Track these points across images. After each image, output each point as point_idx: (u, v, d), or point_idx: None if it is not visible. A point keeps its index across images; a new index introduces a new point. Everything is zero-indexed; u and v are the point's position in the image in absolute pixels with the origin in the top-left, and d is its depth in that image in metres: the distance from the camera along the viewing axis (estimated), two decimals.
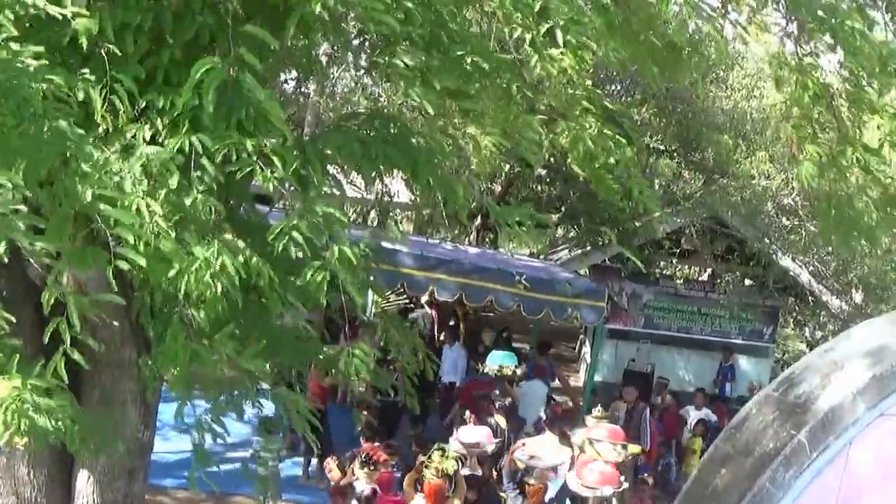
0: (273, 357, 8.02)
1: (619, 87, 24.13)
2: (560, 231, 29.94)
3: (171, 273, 6.05)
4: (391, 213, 25.05)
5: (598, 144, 8.53)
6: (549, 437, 14.81)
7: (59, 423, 6.37)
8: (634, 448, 15.33)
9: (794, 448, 5.90)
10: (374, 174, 7.76)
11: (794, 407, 6.15)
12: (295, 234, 6.37)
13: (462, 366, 20.87)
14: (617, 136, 8.66)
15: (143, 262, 5.87)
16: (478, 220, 26.18)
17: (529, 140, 8.72)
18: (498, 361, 18.41)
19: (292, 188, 6.94)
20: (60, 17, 5.94)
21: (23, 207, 5.57)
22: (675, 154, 23.42)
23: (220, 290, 6.10)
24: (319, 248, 6.75)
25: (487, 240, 28.60)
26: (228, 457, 16.15)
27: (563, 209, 24.11)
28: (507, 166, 22.46)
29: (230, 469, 15.76)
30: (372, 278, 7.78)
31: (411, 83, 7.20)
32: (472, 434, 14.44)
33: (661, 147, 22.87)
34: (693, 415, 20.08)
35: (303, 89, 23.48)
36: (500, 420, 16.18)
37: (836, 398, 6.01)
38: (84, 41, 6.23)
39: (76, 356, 6.43)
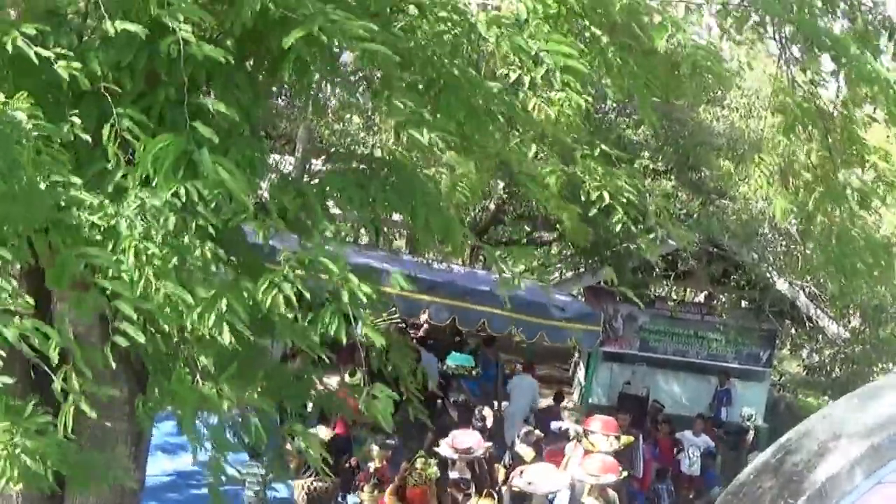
0: (275, 396, 7.94)
1: (614, 108, 24.04)
2: (555, 249, 29.89)
3: (175, 315, 5.99)
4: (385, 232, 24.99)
5: (604, 188, 8.52)
6: (546, 464, 15.04)
7: (52, 466, 6.30)
8: (627, 439, 16.25)
9: None
10: (372, 218, 7.70)
11: (792, 475, 6.09)
12: (285, 285, 6.32)
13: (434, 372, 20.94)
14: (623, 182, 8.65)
15: (130, 311, 5.83)
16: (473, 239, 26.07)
17: (526, 174, 8.73)
18: (456, 361, 21.09)
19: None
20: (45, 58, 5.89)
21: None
22: (672, 174, 23.30)
23: (227, 331, 6.05)
24: (320, 290, 6.72)
25: (482, 258, 28.44)
26: (202, 481, 16.24)
27: (558, 227, 23.91)
28: (502, 184, 22.39)
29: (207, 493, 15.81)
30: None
31: (412, 125, 7.15)
32: (465, 440, 14.93)
33: (659, 168, 22.77)
34: (690, 441, 20.01)
35: (296, 103, 23.44)
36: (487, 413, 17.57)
37: (834, 467, 5.95)
38: (85, 81, 6.19)
39: (84, 406, 6.33)
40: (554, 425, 19.17)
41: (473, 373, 21.91)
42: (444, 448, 14.60)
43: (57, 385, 6.19)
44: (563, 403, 19.35)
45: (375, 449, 14.68)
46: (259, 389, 6.94)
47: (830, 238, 10.34)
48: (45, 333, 5.99)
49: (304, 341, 6.97)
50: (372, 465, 14.53)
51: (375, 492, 13.37)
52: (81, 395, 6.33)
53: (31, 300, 6.12)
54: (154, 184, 6.26)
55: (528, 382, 21.03)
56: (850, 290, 17.66)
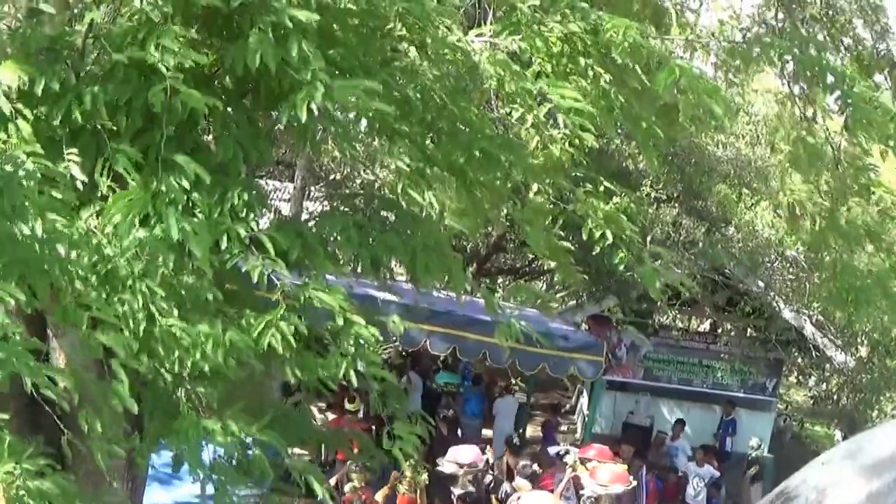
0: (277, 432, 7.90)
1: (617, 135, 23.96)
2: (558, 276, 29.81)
3: (180, 352, 5.98)
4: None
5: (603, 227, 8.51)
6: (541, 491, 15.36)
7: None
8: (622, 466, 16.50)
9: None
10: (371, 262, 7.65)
11: None
12: (282, 325, 6.31)
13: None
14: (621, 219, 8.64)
15: (123, 354, 5.82)
16: (473, 267, 25.95)
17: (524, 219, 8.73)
18: (444, 379, 23.80)
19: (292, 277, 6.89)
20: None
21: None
22: (677, 202, 23.20)
23: (232, 365, 6.04)
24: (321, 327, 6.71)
25: (482, 293, 28.25)
26: None
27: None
28: (504, 213, 22.31)
29: None
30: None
31: (410, 184, 7.16)
32: (467, 454, 15.40)
33: (663, 196, 22.69)
34: (694, 471, 19.93)
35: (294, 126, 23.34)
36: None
37: None
38: (78, 117, 6.19)
39: (101, 451, 6.30)
40: (552, 450, 19.68)
41: (460, 390, 24.09)
42: (448, 465, 14.90)
43: (83, 424, 6.12)
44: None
45: (355, 471, 14.63)
46: (263, 424, 6.87)
47: (834, 271, 10.31)
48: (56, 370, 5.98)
49: (308, 376, 6.95)
50: (349, 486, 14.43)
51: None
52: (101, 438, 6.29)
53: (36, 340, 6.08)
54: (152, 222, 6.27)
55: (509, 403, 22.14)
56: (857, 321, 17.64)
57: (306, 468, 7.54)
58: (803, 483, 6.38)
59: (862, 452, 6.48)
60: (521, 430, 22.33)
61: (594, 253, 9.26)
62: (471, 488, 15.43)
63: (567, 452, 19.49)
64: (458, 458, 15.27)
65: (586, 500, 14.87)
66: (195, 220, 6.13)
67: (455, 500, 15.08)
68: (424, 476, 13.75)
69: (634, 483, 16.26)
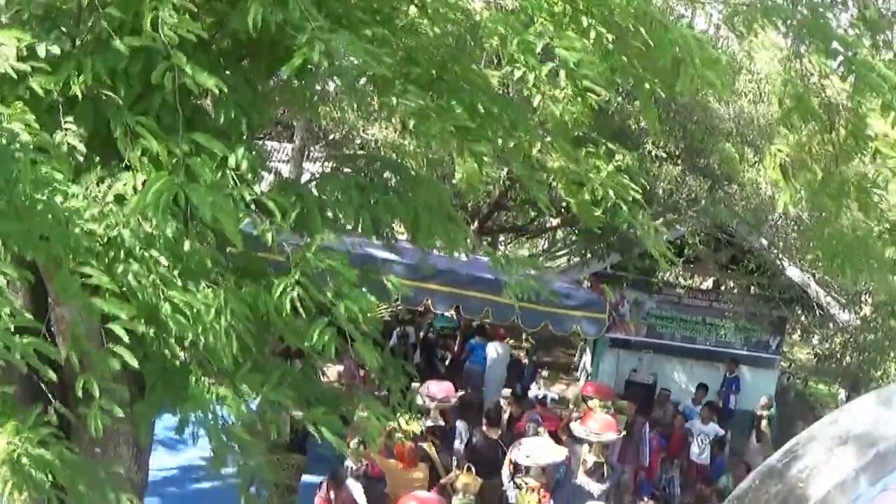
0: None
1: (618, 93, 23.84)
2: (560, 234, 29.79)
3: (182, 321, 5.97)
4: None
5: (605, 188, 8.46)
6: (545, 438, 15.60)
7: (57, 478, 6.27)
8: (621, 403, 18.22)
9: None
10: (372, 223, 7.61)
11: (797, 482, 6.04)
12: (298, 290, 6.30)
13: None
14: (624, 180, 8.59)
15: (125, 317, 5.80)
16: (475, 225, 25.90)
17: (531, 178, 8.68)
18: (441, 323, 25.52)
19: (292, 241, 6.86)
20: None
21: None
22: (679, 160, 23.07)
23: (235, 340, 6.02)
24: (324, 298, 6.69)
25: (485, 242, 28.28)
26: (207, 475, 16.20)
27: (562, 212, 23.68)
28: (505, 171, 22.25)
29: (211, 487, 15.81)
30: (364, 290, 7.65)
31: (418, 123, 7.11)
32: (439, 389, 16.80)
33: (664, 154, 22.56)
34: (699, 429, 19.93)
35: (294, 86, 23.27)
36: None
37: (839, 475, 5.91)
38: (76, 88, 6.14)
39: (96, 420, 6.27)
40: (532, 392, 21.55)
41: (455, 333, 25.35)
42: (420, 398, 15.25)
43: (78, 390, 6.09)
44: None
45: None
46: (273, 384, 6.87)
47: (822, 234, 10.27)
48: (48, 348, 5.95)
49: (303, 342, 6.93)
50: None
51: (360, 447, 13.52)
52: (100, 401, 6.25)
53: (30, 316, 6.05)
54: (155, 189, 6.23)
55: (503, 350, 22.59)
56: (847, 283, 17.61)
57: (323, 419, 7.52)
58: (811, 442, 6.37)
59: (871, 413, 6.47)
60: (527, 387, 22.51)
61: (596, 214, 9.21)
62: (441, 422, 16.44)
63: (545, 396, 20.10)
64: (431, 392, 16.38)
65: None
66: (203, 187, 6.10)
67: (424, 431, 15.76)
68: (420, 423, 13.98)
69: (624, 433, 16.75)
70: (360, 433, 12.48)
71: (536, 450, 14.77)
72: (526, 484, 14.10)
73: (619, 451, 17.59)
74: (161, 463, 15.60)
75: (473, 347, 23.44)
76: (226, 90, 6.10)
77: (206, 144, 6.06)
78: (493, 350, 22.61)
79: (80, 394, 6.35)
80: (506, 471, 14.85)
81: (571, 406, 18.29)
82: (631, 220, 8.75)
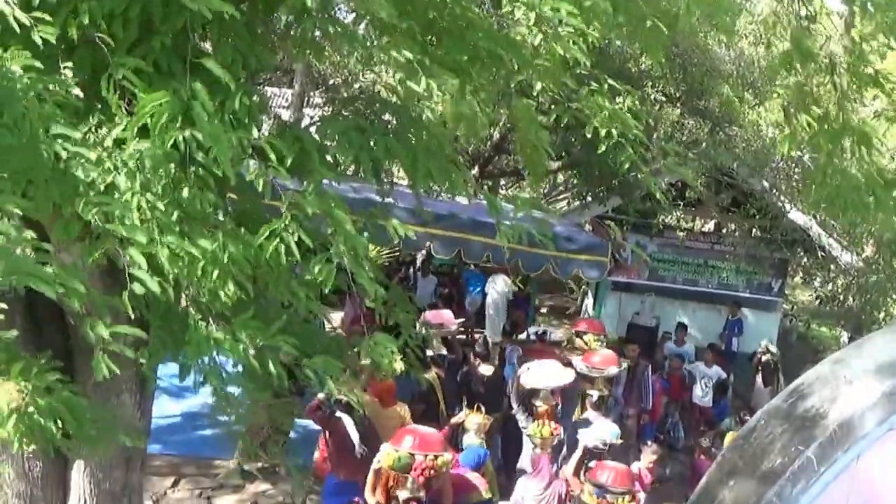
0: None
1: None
2: (561, 177, 29.70)
3: (180, 266, 5.92)
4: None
5: (606, 126, 8.40)
6: (552, 361, 15.46)
7: (64, 423, 6.25)
8: (613, 336, 18.65)
9: (801, 464, 5.79)
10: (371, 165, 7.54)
11: (803, 421, 6.02)
12: (286, 235, 6.25)
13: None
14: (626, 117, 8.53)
15: (141, 259, 5.74)
16: (475, 169, 25.82)
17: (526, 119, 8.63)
18: (441, 261, 24.53)
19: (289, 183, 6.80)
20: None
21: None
22: (679, 102, 22.96)
23: (231, 284, 5.98)
24: (320, 237, 6.64)
25: (486, 186, 28.24)
26: (210, 422, 16.32)
27: (563, 156, 23.56)
28: (505, 115, 22.16)
29: (213, 434, 15.91)
30: (365, 234, 7.59)
31: (410, 75, 7.05)
32: (436, 316, 16.84)
33: (664, 96, 22.45)
34: (702, 372, 19.96)
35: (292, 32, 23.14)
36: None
37: (846, 413, 5.88)
38: (73, 33, 6.07)
39: (101, 363, 6.22)
40: (531, 330, 21.52)
41: (454, 270, 25.35)
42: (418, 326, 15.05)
43: (86, 332, 6.04)
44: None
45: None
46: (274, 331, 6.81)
47: (824, 175, 10.19)
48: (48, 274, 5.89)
49: (297, 297, 6.91)
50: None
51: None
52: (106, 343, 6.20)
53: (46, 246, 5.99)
54: (153, 133, 6.18)
55: (501, 278, 22.70)
56: (850, 225, 17.56)
57: (325, 365, 7.48)
58: (817, 381, 6.34)
59: (877, 352, 6.44)
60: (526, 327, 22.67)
61: (598, 153, 9.16)
62: (443, 351, 16.93)
63: (545, 332, 20.24)
64: (427, 319, 16.23)
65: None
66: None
67: (428, 361, 15.74)
68: (400, 364, 13.93)
69: (625, 365, 17.03)
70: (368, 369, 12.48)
71: (544, 372, 14.91)
72: (536, 408, 14.20)
73: (623, 394, 17.69)
74: (164, 410, 15.71)
75: (470, 280, 23.58)
76: (238, 16, 6.03)
77: (203, 92, 5.99)
78: (493, 283, 22.83)
79: (90, 336, 6.30)
80: (514, 394, 14.92)
81: (565, 343, 18.36)
82: (635, 157, 8.68)
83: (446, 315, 17.35)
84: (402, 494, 11.57)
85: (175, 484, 14.93)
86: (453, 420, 14.45)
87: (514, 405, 14.81)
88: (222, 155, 5.86)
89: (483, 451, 13.31)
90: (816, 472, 5.84)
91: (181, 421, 16.40)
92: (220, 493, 14.91)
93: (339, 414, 13.02)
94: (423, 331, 13.12)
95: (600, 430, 13.90)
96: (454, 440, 14.07)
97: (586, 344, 17.11)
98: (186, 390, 15.97)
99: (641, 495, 13.38)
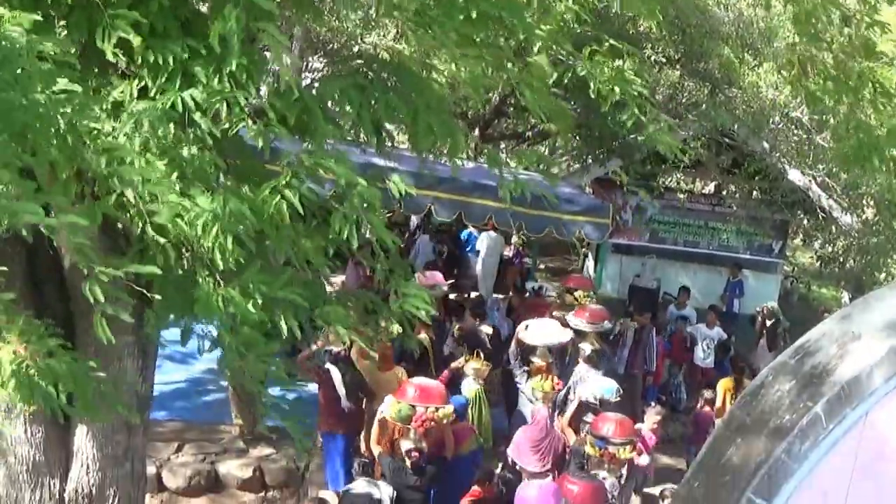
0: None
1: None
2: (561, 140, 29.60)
3: (182, 223, 5.87)
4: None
5: (608, 84, 8.35)
6: (551, 320, 16.06)
7: (65, 386, 6.22)
8: (608, 293, 19.21)
9: (810, 420, 5.75)
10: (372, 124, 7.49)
11: (811, 378, 5.98)
12: (288, 192, 6.21)
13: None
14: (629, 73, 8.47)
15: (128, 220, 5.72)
16: (476, 132, 25.75)
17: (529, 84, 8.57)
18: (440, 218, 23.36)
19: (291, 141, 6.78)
20: None
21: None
22: (679, 64, 22.87)
23: (230, 241, 5.93)
24: (322, 196, 6.61)
25: (486, 151, 28.06)
26: (214, 388, 16.33)
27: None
28: (505, 77, 22.02)
29: (217, 400, 15.92)
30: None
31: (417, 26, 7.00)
32: (429, 278, 17.00)
33: (663, 58, 22.36)
34: (704, 333, 19.92)
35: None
36: None
37: (853, 370, 5.83)
38: None
39: (100, 326, 6.16)
40: (528, 285, 21.60)
41: (453, 228, 24.82)
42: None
43: (87, 293, 5.98)
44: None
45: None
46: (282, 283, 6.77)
47: (847, 128, 10.10)
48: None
49: (300, 255, 6.87)
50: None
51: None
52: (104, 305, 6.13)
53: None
54: (151, 94, 6.14)
55: (487, 235, 22.49)
56: (870, 178, 17.49)
57: (334, 314, 7.45)
58: (823, 337, 6.29)
59: (884, 307, 6.39)
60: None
61: (602, 111, 9.11)
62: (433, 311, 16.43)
63: (542, 287, 20.37)
64: (421, 281, 15.94)
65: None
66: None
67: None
68: (397, 326, 14.15)
69: (633, 327, 17.78)
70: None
71: (543, 330, 15.31)
72: (533, 364, 14.63)
73: (628, 357, 17.82)
74: (168, 377, 15.73)
75: (468, 238, 23.62)
76: None
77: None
78: (484, 240, 22.70)
79: (90, 297, 6.25)
80: (513, 350, 15.22)
81: (556, 299, 18.49)
82: (638, 116, 8.62)
83: (438, 276, 17.53)
84: (405, 445, 11.98)
85: (179, 449, 14.98)
86: (453, 365, 14.77)
87: (512, 360, 15.12)
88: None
89: (462, 400, 13.69)
90: (825, 429, 5.81)
91: (185, 387, 16.46)
92: (224, 457, 14.94)
93: (328, 366, 13.17)
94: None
95: (597, 385, 14.15)
96: (454, 386, 14.35)
97: (576, 300, 17.57)
98: (190, 356, 16.12)
99: (645, 457, 13.47)
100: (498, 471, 12.96)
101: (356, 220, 6.59)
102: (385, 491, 11.40)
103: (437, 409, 12.08)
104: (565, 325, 15.83)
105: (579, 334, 15.63)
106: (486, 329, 16.80)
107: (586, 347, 15.04)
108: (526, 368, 14.75)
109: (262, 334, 6.73)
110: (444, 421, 12.25)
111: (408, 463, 11.87)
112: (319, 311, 7.20)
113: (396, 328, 12.14)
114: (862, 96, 9.77)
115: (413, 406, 12.06)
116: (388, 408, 12.30)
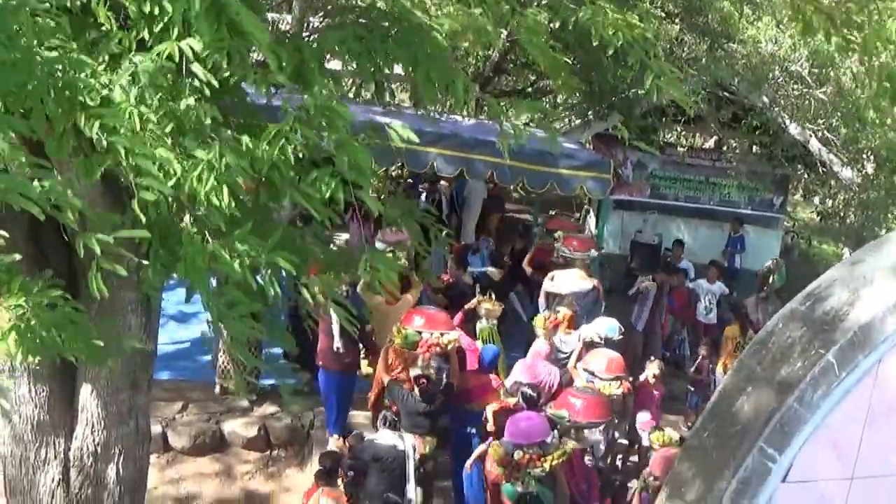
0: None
1: None
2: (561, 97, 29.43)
3: (174, 177, 5.79)
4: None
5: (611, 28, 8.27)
6: (574, 270, 16.48)
7: (67, 340, 6.16)
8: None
9: (822, 368, 5.70)
10: (373, 70, 7.42)
11: (822, 324, 5.92)
12: (292, 136, 6.16)
13: None
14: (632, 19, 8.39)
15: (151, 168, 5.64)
16: (476, 89, 25.58)
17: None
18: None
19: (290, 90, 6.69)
20: None
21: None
22: (678, 18, 22.72)
23: (226, 191, 5.86)
24: (323, 147, 6.54)
25: (486, 101, 27.77)
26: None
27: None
28: (505, 33, 21.86)
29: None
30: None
31: None
32: (393, 235, 16.51)
33: (662, 13, 22.20)
34: (706, 289, 19.84)
35: None
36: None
37: (866, 316, 5.78)
38: None
39: (96, 281, 6.08)
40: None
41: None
42: (378, 243, 16.17)
43: (79, 249, 5.89)
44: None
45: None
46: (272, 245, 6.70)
47: (880, 76, 9.93)
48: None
49: (308, 201, 6.76)
50: None
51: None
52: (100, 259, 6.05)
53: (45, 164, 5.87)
54: (149, 46, 6.06)
55: (480, 187, 22.49)
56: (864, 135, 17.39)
57: (322, 284, 7.42)
58: (833, 283, 6.23)
59: (893, 252, 6.32)
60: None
61: (603, 65, 9.02)
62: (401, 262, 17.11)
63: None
64: (387, 238, 16.36)
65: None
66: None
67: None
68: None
69: (653, 286, 18.14)
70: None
71: (567, 280, 15.96)
72: (560, 312, 14.99)
73: (634, 314, 18.09)
74: (172, 336, 15.72)
75: (462, 185, 23.60)
76: None
77: None
78: (474, 187, 22.69)
79: (85, 260, 6.17)
80: (542, 301, 15.96)
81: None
82: (643, 61, 8.53)
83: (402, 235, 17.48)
84: (414, 372, 12.57)
85: (184, 409, 15.06)
86: (467, 306, 15.02)
87: (541, 309, 15.71)
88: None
89: (495, 349, 13.93)
90: (838, 377, 5.77)
91: (189, 347, 16.42)
92: (229, 416, 15.02)
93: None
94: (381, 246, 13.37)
95: (598, 325, 14.52)
96: (469, 325, 14.82)
97: (556, 241, 17.98)
98: (194, 316, 16.09)
99: (646, 414, 13.50)
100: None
101: (343, 182, 6.52)
102: (409, 441, 11.75)
103: (441, 335, 12.62)
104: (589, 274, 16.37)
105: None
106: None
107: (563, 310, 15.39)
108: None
109: (246, 294, 6.68)
110: (449, 346, 12.75)
111: (416, 390, 12.25)
112: (305, 280, 7.18)
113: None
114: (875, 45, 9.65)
115: (419, 332, 12.65)
116: (396, 334, 12.87)
